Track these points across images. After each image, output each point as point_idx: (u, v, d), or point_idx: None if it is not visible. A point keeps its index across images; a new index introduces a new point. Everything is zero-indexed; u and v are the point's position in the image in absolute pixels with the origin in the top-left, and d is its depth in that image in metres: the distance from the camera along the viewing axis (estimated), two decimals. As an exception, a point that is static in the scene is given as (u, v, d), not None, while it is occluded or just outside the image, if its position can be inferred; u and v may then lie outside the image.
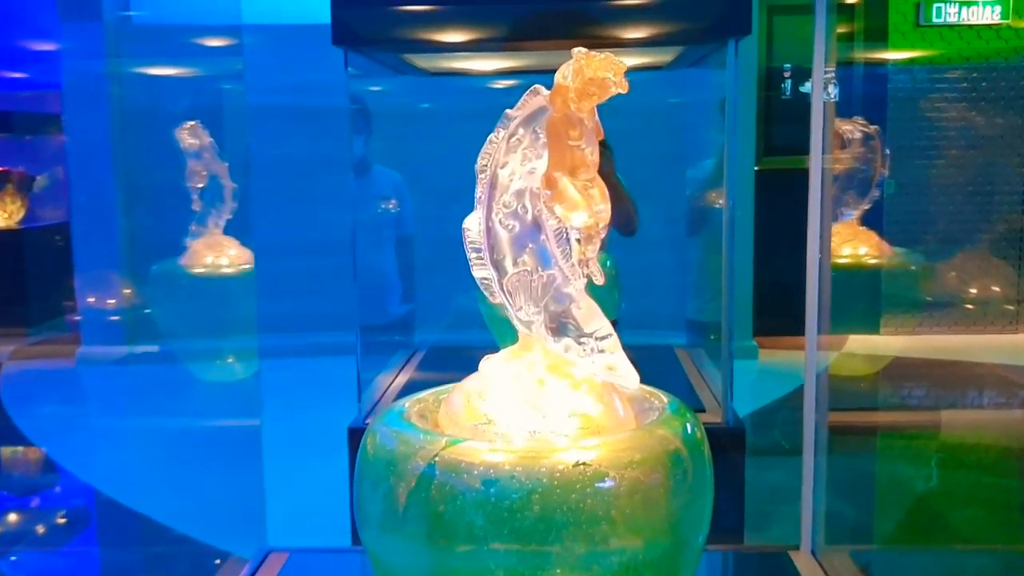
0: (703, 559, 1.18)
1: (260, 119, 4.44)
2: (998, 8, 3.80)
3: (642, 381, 1.14)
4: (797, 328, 2.05)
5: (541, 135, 1.10)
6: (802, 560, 1.80)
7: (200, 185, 3.40)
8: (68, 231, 4.80)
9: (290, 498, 3.16)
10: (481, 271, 1.15)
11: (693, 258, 3.07)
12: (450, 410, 1.16)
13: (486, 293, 1.16)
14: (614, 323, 1.15)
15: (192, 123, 3.39)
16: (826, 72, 1.86)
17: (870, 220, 2.89)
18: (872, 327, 3.20)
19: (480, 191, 1.14)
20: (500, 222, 1.13)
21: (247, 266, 3.40)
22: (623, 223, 2.70)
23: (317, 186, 3.74)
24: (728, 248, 2.18)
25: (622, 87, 1.06)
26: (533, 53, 2.34)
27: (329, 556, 1.90)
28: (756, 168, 4.96)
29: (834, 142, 2.16)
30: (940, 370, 3.46)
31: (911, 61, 3.91)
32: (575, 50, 1.06)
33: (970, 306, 3.62)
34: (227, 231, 3.43)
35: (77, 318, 4.75)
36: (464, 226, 1.15)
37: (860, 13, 3.76)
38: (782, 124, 5.14)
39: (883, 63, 3.88)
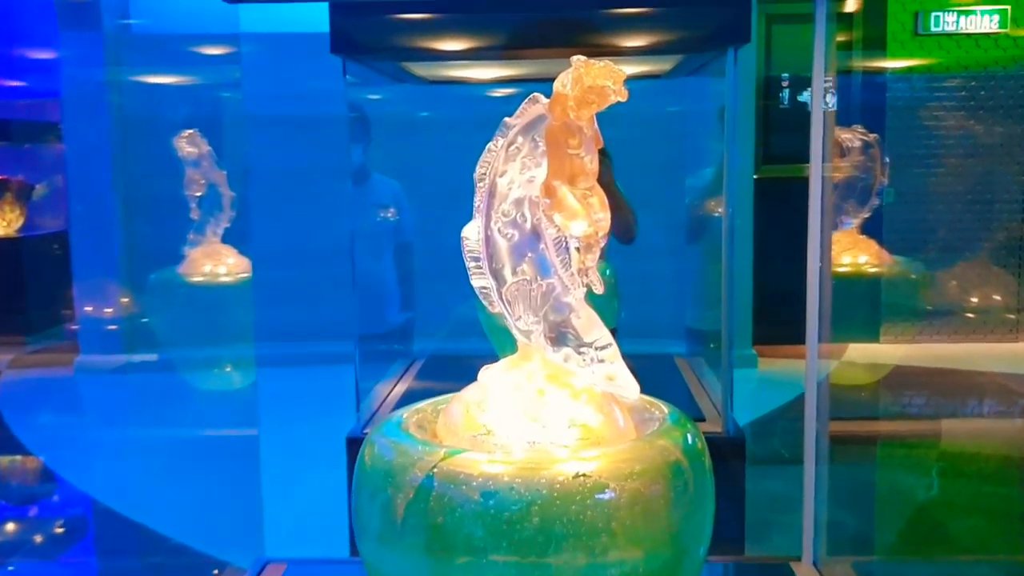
0: (704, 570, 1.17)
1: (258, 127, 4.44)
2: (996, 17, 3.81)
3: (642, 391, 1.13)
4: (796, 337, 2.05)
5: (540, 143, 1.09)
6: (804, 571, 1.79)
7: (198, 193, 3.40)
8: (67, 239, 4.80)
9: (288, 508, 3.14)
10: (480, 280, 1.14)
11: (692, 267, 3.07)
12: (449, 420, 1.15)
13: (485, 302, 1.15)
14: (613, 332, 1.15)
15: (190, 131, 3.39)
16: (825, 81, 1.86)
17: (870, 229, 2.89)
18: (872, 336, 3.19)
19: (479, 200, 1.14)
20: (499, 231, 1.12)
21: (245, 275, 3.40)
22: (622, 231, 2.70)
23: (315, 195, 3.73)
24: (728, 257, 2.18)
25: (621, 95, 1.06)
26: (532, 62, 2.34)
27: (327, 567, 1.88)
28: (755, 176, 4.96)
29: (833, 151, 2.16)
30: (940, 379, 3.45)
31: (909, 70, 3.92)
32: (574, 58, 1.05)
33: (971, 315, 3.62)
34: (225, 239, 3.43)
35: (75, 327, 4.74)
36: (463, 235, 1.14)
37: (859, 22, 3.77)
38: (781, 133, 5.14)
39: (882, 72, 3.89)
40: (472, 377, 1.18)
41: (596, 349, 1.11)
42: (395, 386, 2.58)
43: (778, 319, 3.15)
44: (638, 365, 1.16)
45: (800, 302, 1.99)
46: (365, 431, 2.08)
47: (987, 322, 3.66)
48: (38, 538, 3.15)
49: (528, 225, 1.11)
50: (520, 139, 1.11)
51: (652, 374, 1.54)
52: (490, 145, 1.13)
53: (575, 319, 1.12)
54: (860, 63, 3.70)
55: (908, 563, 2.57)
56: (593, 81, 1.04)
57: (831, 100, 1.98)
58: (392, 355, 2.91)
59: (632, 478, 1.02)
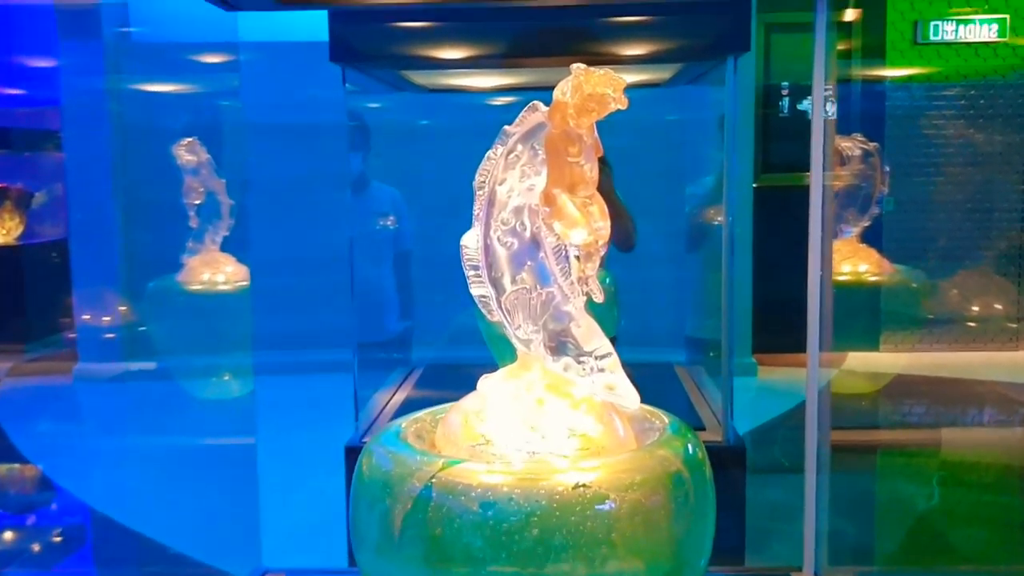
0: (705, 582, 1.16)
1: (258, 136, 4.44)
2: (995, 27, 3.81)
3: (642, 400, 1.12)
4: (796, 345, 2.04)
5: (540, 151, 1.09)
6: (804, 581, 1.78)
7: (197, 202, 3.39)
8: (66, 247, 4.80)
9: (286, 518, 3.13)
10: (479, 289, 1.13)
11: (692, 275, 3.07)
12: (447, 430, 1.15)
13: (484, 311, 1.14)
14: (613, 340, 1.14)
15: (190, 139, 3.39)
16: (825, 90, 1.86)
17: (869, 237, 2.89)
18: (872, 344, 3.19)
19: (478, 208, 1.13)
20: (498, 239, 1.12)
21: (243, 283, 3.39)
22: (622, 240, 2.70)
23: (315, 203, 3.73)
24: (728, 265, 2.18)
25: (621, 103, 1.05)
26: (532, 70, 2.34)
27: (325, 577, 1.88)
28: (754, 185, 4.97)
29: (833, 159, 2.16)
30: (941, 388, 3.45)
31: (909, 79, 3.93)
32: (574, 66, 1.05)
33: (971, 324, 3.62)
34: (224, 248, 3.42)
35: (72, 335, 4.73)
36: (462, 243, 1.14)
37: (858, 31, 3.77)
38: (780, 141, 5.14)
39: (881, 81, 3.89)
40: (471, 386, 1.17)
41: (596, 358, 1.10)
42: (394, 395, 2.57)
43: (778, 328, 3.15)
44: (638, 374, 1.15)
45: (800, 311, 1.99)
46: (364, 440, 2.08)
47: (987, 331, 3.66)
48: (36, 547, 3.14)
49: (527, 233, 1.11)
50: (519, 147, 1.11)
51: (652, 383, 1.53)
52: (489, 153, 1.13)
53: (575, 328, 1.11)
54: (859, 72, 3.71)
55: (909, 573, 2.56)
56: (593, 89, 1.04)
57: (831, 109, 1.98)
58: (391, 364, 2.91)
59: (632, 488, 1.01)
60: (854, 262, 2.80)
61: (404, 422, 1.22)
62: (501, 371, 1.17)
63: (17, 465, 3.80)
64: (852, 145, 2.83)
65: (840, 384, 2.48)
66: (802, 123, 2.13)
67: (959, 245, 3.69)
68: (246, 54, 4.25)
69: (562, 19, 2.07)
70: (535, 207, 1.09)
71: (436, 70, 2.41)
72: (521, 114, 1.10)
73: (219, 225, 3.40)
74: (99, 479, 3.62)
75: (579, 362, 1.11)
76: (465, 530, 1.00)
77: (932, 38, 3.89)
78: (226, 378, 3.83)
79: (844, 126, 2.97)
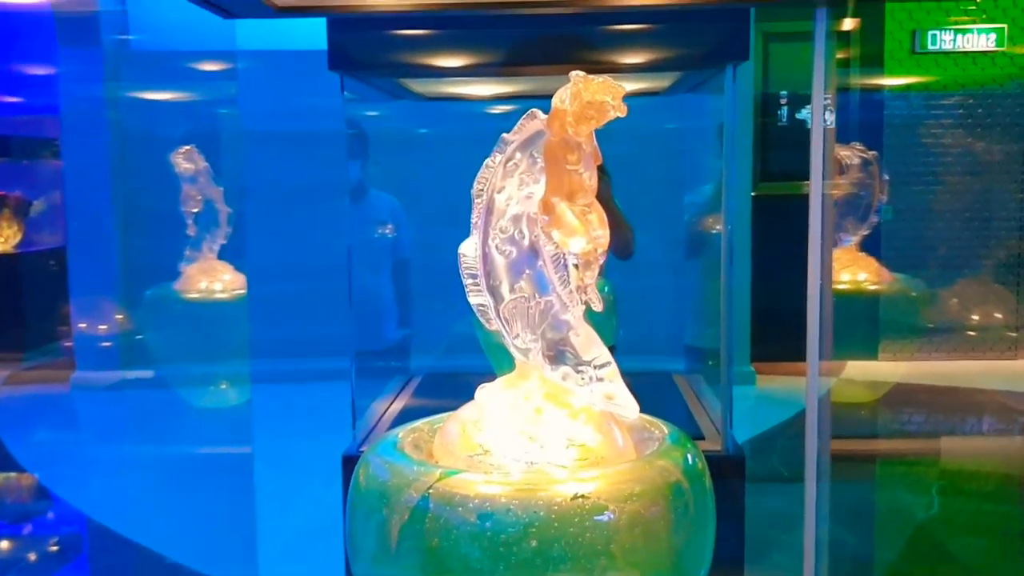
0: (704, 593, 1.15)
1: (256, 144, 4.44)
2: (993, 36, 3.82)
3: (641, 409, 1.12)
4: (795, 354, 2.04)
5: (538, 159, 1.08)
6: (804, 592, 1.77)
7: (195, 210, 3.39)
8: (64, 256, 4.79)
9: (283, 527, 3.12)
10: (477, 297, 1.13)
11: (691, 284, 3.06)
12: (445, 440, 1.14)
13: (482, 320, 1.14)
14: (612, 349, 1.14)
15: (187, 147, 3.39)
16: (824, 98, 1.86)
17: (868, 246, 2.89)
18: (870, 353, 3.19)
19: (476, 216, 1.13)
20: (497, 248, 1.11)
21: (241, 291, 3.39)
22: (620, 248, 2.69)
23: (313, 211, 3.73)
24: (727, 274, 2.17)
25: (620, 111, 1.05)
26: (531, 78, 2.34)
27: (321, 587, 1.86)
28: (753, 194, 4.97)
29: (832, 168, 2.16)
30: (940, 397, 3.45)
31: (907, 88, 3.94)
32: (573, 74, 1.05)
33: (970, 332, 3.62)
34: (221, 256, 3.42)
35: (67, 344, 4.73)
36: (460, 252, 1.13)
37: (856, 40, 3.78)
38: (779, 150, 5.15)
39: (879, 89, 3.90)
40: (470, 394, 1.17)
41: (595, 367, 1.10)
42: (392, 403, 2.56)
43: (776, 336, 3.14)
44: (636, 382, 1.14)
45: (798, 319, 1.99)
46: (361, 449, 2.06)
47: (986, 340, 3.66)
48: (32, 556, 3.12)
49: (526, 242, 1.10)
50: (518, 155, 1.10)
51: (651, 392, 1.52)
52: (488, 161, 1.12)
53: (574, 337, 1.10)
54: (858, 81, 3.72)
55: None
56: (592, 96, 1.04)
57: (830, 118, 1.98)
58: (389, 372, 2.90)
59: (632, 499, 1.00)
60: (853, 271, 2.80)
61: (401, 432, 1.21)
62: (499, 380, 1.16)
63: (14, 474, 3.79)
64: (851, 154, 2.83)
65: (839, 393, 2.48)
66: (800, 132, 2.14)
67: (958, 254, 3.69)
68: (245, 62, 4.26)
69: (561, 27, 2.07)
70: (534, 215, 1.09)
71: (435, 78, 2.41)
72: (520, 122, 1.10)
73: (217, 233, 3.40)
74: (96, 488, 3.61)
75: (578, 371, 1.10)
76: (463, 541, 0.99)
77: (930, 47, 3.90)
78: (223, 387, 3.82)
79: (843, 135, 2.97)
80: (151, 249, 4.13)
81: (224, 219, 3.41)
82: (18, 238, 4.96)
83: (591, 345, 1.11)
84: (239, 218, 3.50)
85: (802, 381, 2.05)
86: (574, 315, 1.10)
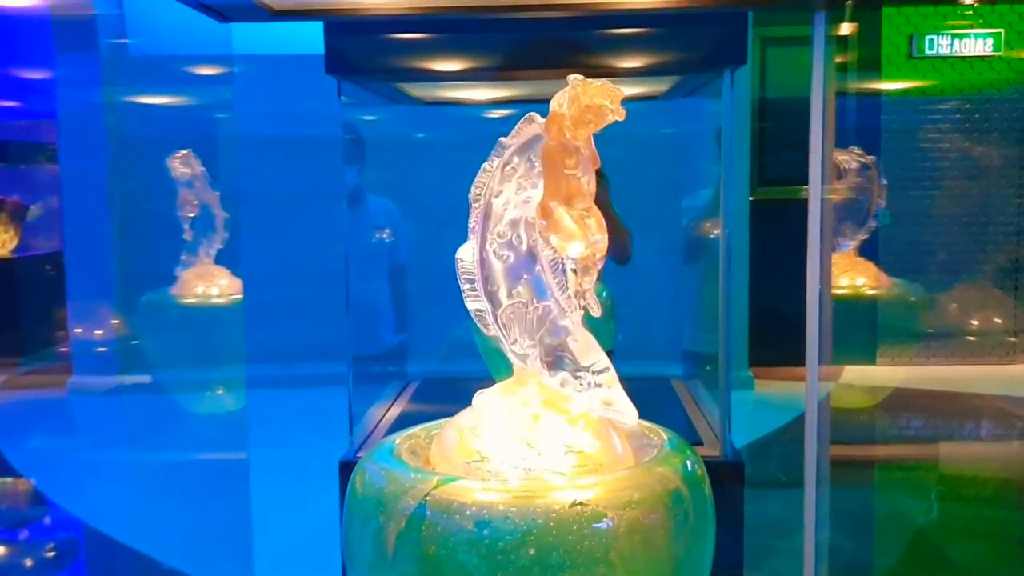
0: (703, 600, 1.14)
1: (253, 148, 4.44)
2: (990, 41, 3.83)
3: (639, 415, 1.11)
4: (792, 358, 2.03)
5: (536, 163, 1.08)
6: (804, 598, 1.77)
7: (191, 214, 3.39)
8: (61, 260, 4.78)
9: (280, 533, 3.11)
10: (475, 302, 1.12)
11: (689, 288, 3.06)
12: (442, 447, 1.13)
13: (480, 325, 1.13)
14: (610, 354, 1.13)
15: (184, 152, 3.38)
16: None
17: (867, 251, 2.89)
18: (869, 358, 3.18)
19: (474, 220, 1.12)
20: (494, 252, 1.11)
21: (238, 296, 3.38)
22: (618, 252, 2.69)
23: (310, 216, 3.72)
24: (725, 278, 2.17)
25: (619, 115, 1.04)
26: (528, 82, 2.34)
27: (318, 594, 1.85)
28: (750, 198, 4.97)
29: (831, 172, 2.16)
30: (938, 402, 3.44)
31: (905, 92, 3.94)
32: (571, 77, 1.04)
33: (968, 337, 3.62)
34: (218, 260, 3.41)
35: (64, 349, 4.71)
36: (457, 256, 1.13)
37: (854, 44, 3.78)
38: (776, 155, 5.15)
39: (877, 94, 3.90)
40: (468, 399, 1.16)
41: (593, 373, 1.09)
42: (389, 409, 2.56)
43: (774, 341, 3.14)
44: (635, 388, 1.14)
45: (796, 324, 1.98)
46: (358, 455, 2.05)
47: (985, 344, 3.66)
48: (28, 562, 3.11)
49: (524, 246, 1.09)
50: (516, 159, 1.10)
51: (649, 397, 1.52)
52: (485, 165, 1.12)
53: (572, 342, 1.10)
54: (855, 85, 3.72)
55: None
56: (590, 100, 1.03)
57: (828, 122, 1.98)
58: (386, 377, 2.89)
59: (631, 507, 1.00)
60: (852, 275, 2.80)
61: (398, 438, 1.20)
62: (497, 386, 1.15)
63: (10, 479, 3.78)
64: (849, 158, 2.83)
65: (838, 398, 2.47)
66: (798, 137, 2.13)
67: (956, 259, 3.69)
68: (242, 67, 4.26)
69: (559, 31, 2.06)
70: (531, 220, 1.08)
71: (432, 82, 2.40)
72: (517, 126, 1.09)
73: (213, 238, 3.40)
74: (93, 493, 3.60)
75: (576, 377, 1.09)
76: (460, 549, 0.98)
77: (927, 52, 3.90)
78: (219, 392, 3.82)
79: (840, 139, 2.96)
80: (148, 254, 4.13)
81: (221, 224, 3.41)
82: (15, 242, 4.95)
83: (589, 351, 1.10)
84: (236, 223, 3.50)
85: (800, 386, 2.04)
86: (572, 320, 1.10)
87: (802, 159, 2.09)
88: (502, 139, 1.10)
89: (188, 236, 3.39)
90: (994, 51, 3.85)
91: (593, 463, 1.07)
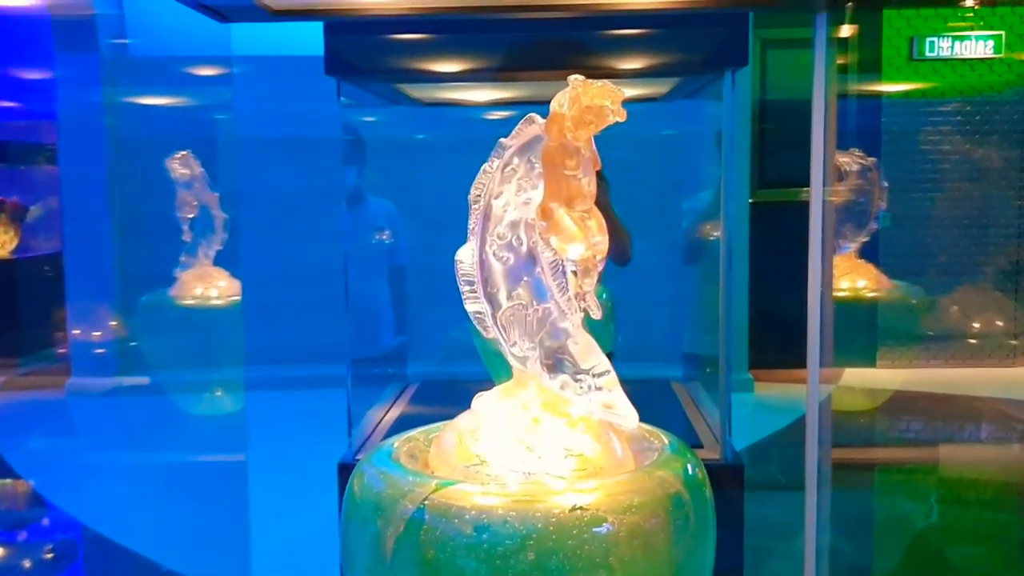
0: (704, 605, 1.13)
1: (252, 149, 4.43)
2: (991, 43, 3.82)
3: (640, 418, 1.10)
4: (792, 361, 2.03)
5: (537, 164, 1.07)
6: (805, 602, 1.76)
7: (191, 215, 3.38)
8: (61, 261, 4.78)
9: (278, 535, 3.10)
10: (474, 305, 1.12)
11: (690, 290, 3.05)
12: (441, 450, 1.12)
13: (479, 327, 1.13)
14: (610, 356, 1.12)
15: (183, 153, 3.38)
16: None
17: (867, 253, 2.88)
18: (868, 360, 3.18)
19: (473, 222, 1.11)
20: (494, 254, 1.10)
21: (236, 297, 3.38)
22: (618, 254, 2.68)
23: (309, 217, 3.72)
24: (725, 280, 2.16)
25: (620, 115, 1.04)
26: (529, 83, 2.33)
27: (316, 597, 1.85)
28: (750, 200, 4.97)
29: (832, 174, 2.15)
30: (939, 404, 3.44)
31: (905, 94, 3.93)
32: (572, 77, 1.04)
33: (969, 340, 3.61)
34: (217, 262, 3.41)
35: (62, 350, 4.71)
36: (457, 258, 1.12)
37: (854, 46, 3.78)
38: (777, 157, 5.15)
39: (877, 96, 3.90)
40: (468, 402, 1.15)
41: (594, 376, 1.08)
42: (388, 411, 2.55)
43: (774, 343, 3.14)
44: (634, 390, 1.13)
45: (796, 326, 1.98)
46: (357, 457, 2.05)
47: (985, 347, 3.65)
48: (27, 563, 3.11)
49: (524, 248, 1.09)
50: (516, 160, 1.09)
51: (649, 399, 1.51)
52: (485, 166, 1.11)
53: (572, 345, 1.09)
54: (856, 87, 3.71)
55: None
56: (591, 101, 1.02)
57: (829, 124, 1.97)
58: (385, 379, 2.89)
59: (631, 511, 0.99)
60: (852, 278, 2.79)
61: (397, 441, 1.19)
62: (496, 389, 1.15)
63: (9, 480, 3.78)
64: (850, 160, 2.82)
65: (839, 401, 2.47)
66: (798, 138, 2.13)
67: (957, 261, 3.69)
68: (241, 67, 4.26)
69: (559, 32, 2.06)
70: (532, 221, 1.07)
71: (432, 83, 2.40)
72: (518, 126, 1.09)
73: (212, 239, 3.39)
74: (91, 495, 3.59)
75: (576, 380, 1.09)
76: (459, 553, 0.97)
77: (928, 54, 3.90)
78: (218, 393, 3.81)
79: (841, 141, 2.96)
80: (147, 255, 4.13)
81: (220, 225, 3.41)
82: (15, 243, 4.95)
83: (590, 353, 1.09)
84: (235, 224, 3.49)
85: (799, 388, 2.04)
86: (572, 323, 1.09)
87: (802, 161, 2.08)
88: (502, 140, 1.10)
89: (187, 237, 3.39)
90: (995, 53, 3.85)
91: (593, 467, 1.06)
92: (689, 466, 1.09)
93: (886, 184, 2.92)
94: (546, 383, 1.10)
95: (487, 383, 1.18)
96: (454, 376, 2.80)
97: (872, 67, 3.91)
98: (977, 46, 3.84)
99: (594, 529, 0.97)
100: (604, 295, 2.53)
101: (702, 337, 2.80)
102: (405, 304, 3.25)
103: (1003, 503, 3.12)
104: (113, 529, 3.25)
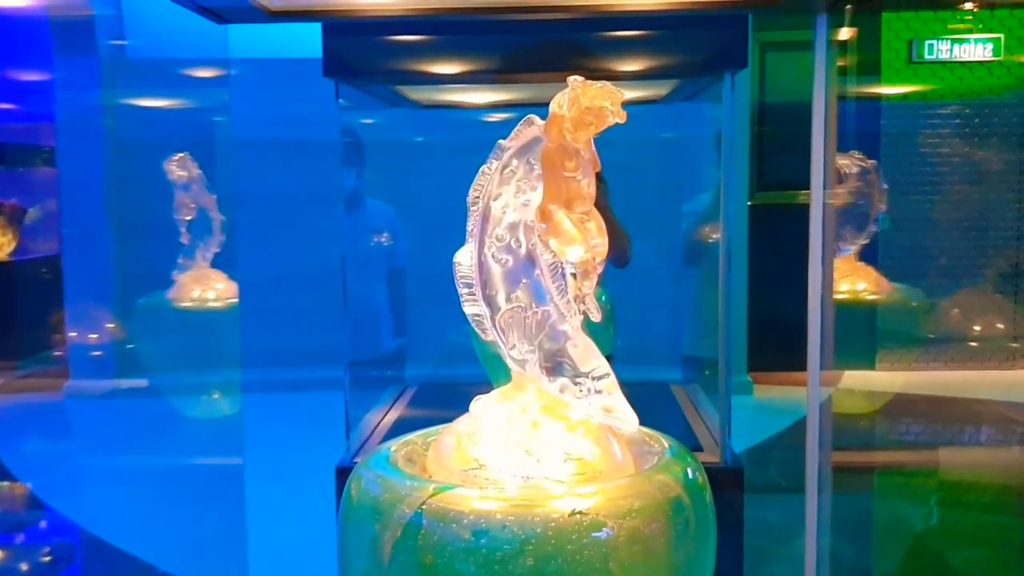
0: (704, 609, 1.13)
1: (250, 151, 4.43)
2: (990, 46, 3.82)
3: (640, 421, 1.10)
4: (792, 363, 2.02)
5: (536, 166, 1.06)
6: (805, 606, 1.75)
7: (188, 217, 3.38)
8: (58, 264, 4.77)
9: (275, 539, 3.10)
10: (473, 307, 1.11)
11: (689, 293, 3.05)
12: (439, 454, 1.11)
13: (478, 330, 1.12)
14: (609, 358, 1.12)
15: (181, 155, 3.37)
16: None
17: (867, 255, 2.88)
18: (868, 363, 3.18)
19: (472, 224, 1.11)
20: (493, 256, 1.09)
21: (234, 300, 3.37)
22: (617, 256, 2.68)
23: (307, 219, 3.72)
24: (724, 283, 2.16)
25: (620, 117, 1.03)
26: (528, 86, 2.33)
27: (314, 601, 1.84)
28: (750, 203, 4.97)
29: (831, 177, 2.15)
30: (939, 407, 3.43)
31: (904, 97, 3.94)
32: (571, 79, 1.03)
33: (968, 343, 3.61)
34: (215, 264, 3.40)
35: (60, 353, 4.70)
36: (455, 260, 1.11)
37: (853, 49, 3.78)
38: (776, 159, 5.15)
39: (876, 99, 3.90)
40: (466, 404, 1.15)
41: (593, 379, 1.08)
42: (386, 414, 2.54)
43: (773, 346, 3.13)
44: (634, 393, 1.12)
45: (795, 329, 1.97)
46: (355, 460, 2.04)
47: (985, 350, 3.65)
48: (24, 566, 3.10)
49: (523, 250, 1.08)
50: (515, 161, 1.08)
51: (648, 402, 1.50)
52: (484, 168, 1.10)
53: (571, 348, 1.08)
54: (855, 90, 3.71)
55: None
56: (591, 102, 1.02)
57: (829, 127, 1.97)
58: (384, 382, 2.88)
59: (631, 515, 0.98)
60: (852, 280, 2.79)
61: (394, 445, 1.19)
62: (495, 392, 1.14)
63: (6, 483, 3.77)
64: (850, 163, 2.82)
65: (838, 403, 2.46)
66: (798, 141, 2.13)
67: (957, 263, 3.68)
68: (239, 69, 4.25)
69: (558, 34, 2.06)
70: (531, 223, 1.07)
71: (431, 85, 2.39)
72: (516, 128, 1.08)
73: (210, 241, 3.39)
74: (89, 497, 3.58)
75: (576, 383, 1.08)
76: (457, 558, 0.97)
77: (927, 57, 3.90)
78: (215, 396, 3.80)
79: (840, 144, 2.96)
80: (144, 257, 4.12)
81: (218, 227, 3.40)
82: (13, 246, 4.94)
83: (589, 356, 1.09)
84: (233, 226, 3.49)
85: (799, 391, 2.04)
86: (572, 325, 1.08)
87: (801, 163, 2.08)
88: (501, 141, 1.09)
89: (185, 239, 3.39)
90: (994, 56, 3.85)
91: (593, 471, 1.05)
92: (689, 470, 1.09)
93: (886, 186, 2.92)
94: (545, 386, 1.09)
95: (486, 386, 1.17)
96: (452, 379, 2.80)
97: (871, 70, 3.91)
98: (976, 49, 3.84)
99: (593, 534, 0.97)
100: (603, 297, 2.52)
101: (702, 340, 2.79)
102: (403, 306, 3.25)
103: (1003, 506, 3.12)
104: (111, 532, 3.24)
